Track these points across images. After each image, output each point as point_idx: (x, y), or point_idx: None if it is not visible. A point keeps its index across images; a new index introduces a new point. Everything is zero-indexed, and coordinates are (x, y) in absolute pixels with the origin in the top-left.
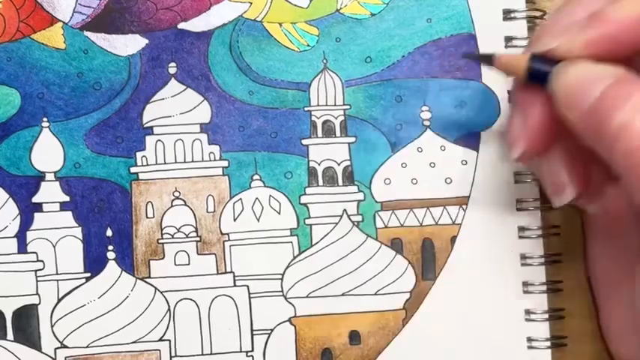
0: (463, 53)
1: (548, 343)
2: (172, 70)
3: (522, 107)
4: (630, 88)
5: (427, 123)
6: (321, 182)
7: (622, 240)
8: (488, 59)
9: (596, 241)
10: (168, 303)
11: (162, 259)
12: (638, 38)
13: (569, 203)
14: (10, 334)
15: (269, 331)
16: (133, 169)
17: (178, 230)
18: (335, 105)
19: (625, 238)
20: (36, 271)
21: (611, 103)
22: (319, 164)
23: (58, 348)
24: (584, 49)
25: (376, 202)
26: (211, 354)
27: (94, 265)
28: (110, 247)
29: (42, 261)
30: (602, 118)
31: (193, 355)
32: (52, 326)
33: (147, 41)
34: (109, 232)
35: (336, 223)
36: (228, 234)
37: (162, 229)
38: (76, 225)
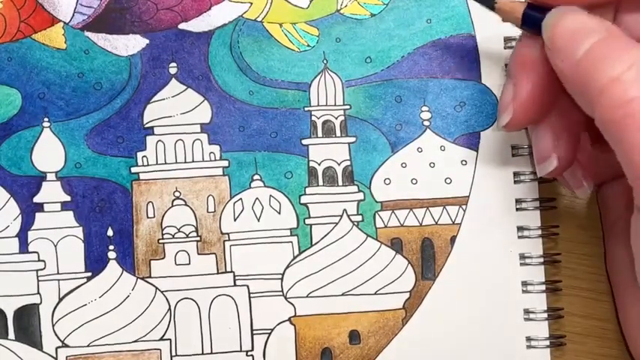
0: None
1: (547, 343)
2: (173, 71)
3: (514, 80)
4: (620, 44)
5: (427, 123)
6: (321, 182)
7: None
8: (490, 2)
9: (612, 239)
10: (168, 302)
11: (163, 258)
12: None
13: (555, 178)
14: (11, 334)
15: (269, 331)
16: (134, 169)
17: (179, 230)
18: (335, 105)
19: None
20: (37, 270)
21: (600, 57)
22: (319, 164)
23: (59, 347)
24: None
25: (376, 202)
26: (211, 353)
27: (94, 264)
28: (111, 247)
29: (43, 261)
30: (591, 71)
31: (194, 355)
32: (53, 325)
33: (147, 41)
34: (109, 232)
35: (336, 223)
36: (228, 234)
37: (162, 229)
38: (77, 225)
